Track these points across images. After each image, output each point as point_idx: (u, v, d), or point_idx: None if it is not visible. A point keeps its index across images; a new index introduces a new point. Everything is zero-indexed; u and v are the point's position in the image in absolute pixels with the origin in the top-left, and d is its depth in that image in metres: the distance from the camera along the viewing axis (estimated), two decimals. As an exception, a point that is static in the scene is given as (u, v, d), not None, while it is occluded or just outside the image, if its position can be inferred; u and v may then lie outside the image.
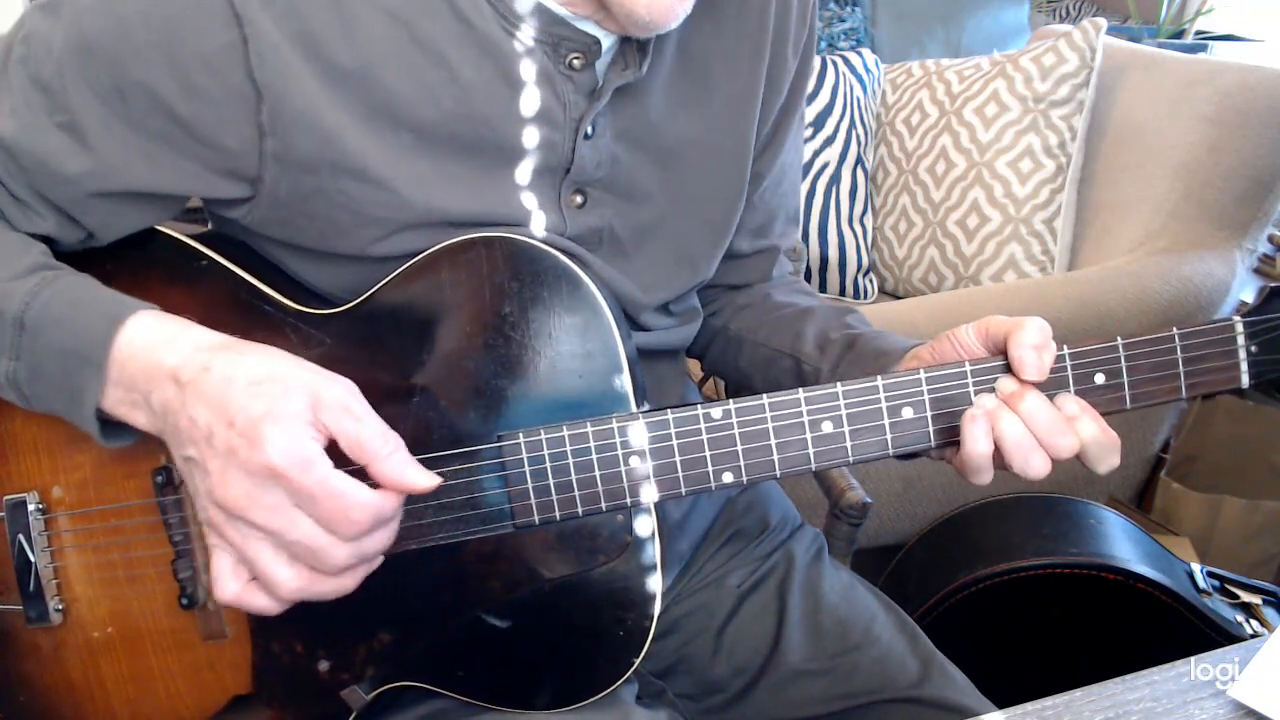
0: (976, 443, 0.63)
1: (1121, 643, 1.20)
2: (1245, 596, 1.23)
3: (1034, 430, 0.62)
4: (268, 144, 0.63)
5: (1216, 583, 1.24)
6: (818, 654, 0.82)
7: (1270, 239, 1.70)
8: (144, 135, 0.63)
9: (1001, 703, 0.66)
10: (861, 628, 0.83)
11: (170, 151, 0.64)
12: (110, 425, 0.63)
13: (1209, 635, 1.15)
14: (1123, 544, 1.23)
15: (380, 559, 0.62)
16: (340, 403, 0.59)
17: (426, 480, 0.60)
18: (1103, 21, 1.70)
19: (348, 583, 0.60)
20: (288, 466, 0.55)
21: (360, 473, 0.59)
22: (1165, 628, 1.17)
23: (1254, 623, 1.19)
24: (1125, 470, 1.66)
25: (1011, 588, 1.20)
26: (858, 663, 0.81)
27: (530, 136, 0.68)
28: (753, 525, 0.91)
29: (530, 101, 0.67)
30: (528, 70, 0.67)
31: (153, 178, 0.65)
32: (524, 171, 0.69)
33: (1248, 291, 1.68)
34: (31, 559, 0.70)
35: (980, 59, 1.86)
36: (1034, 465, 0.63)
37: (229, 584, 0.60)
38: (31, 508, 0.70)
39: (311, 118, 0.62)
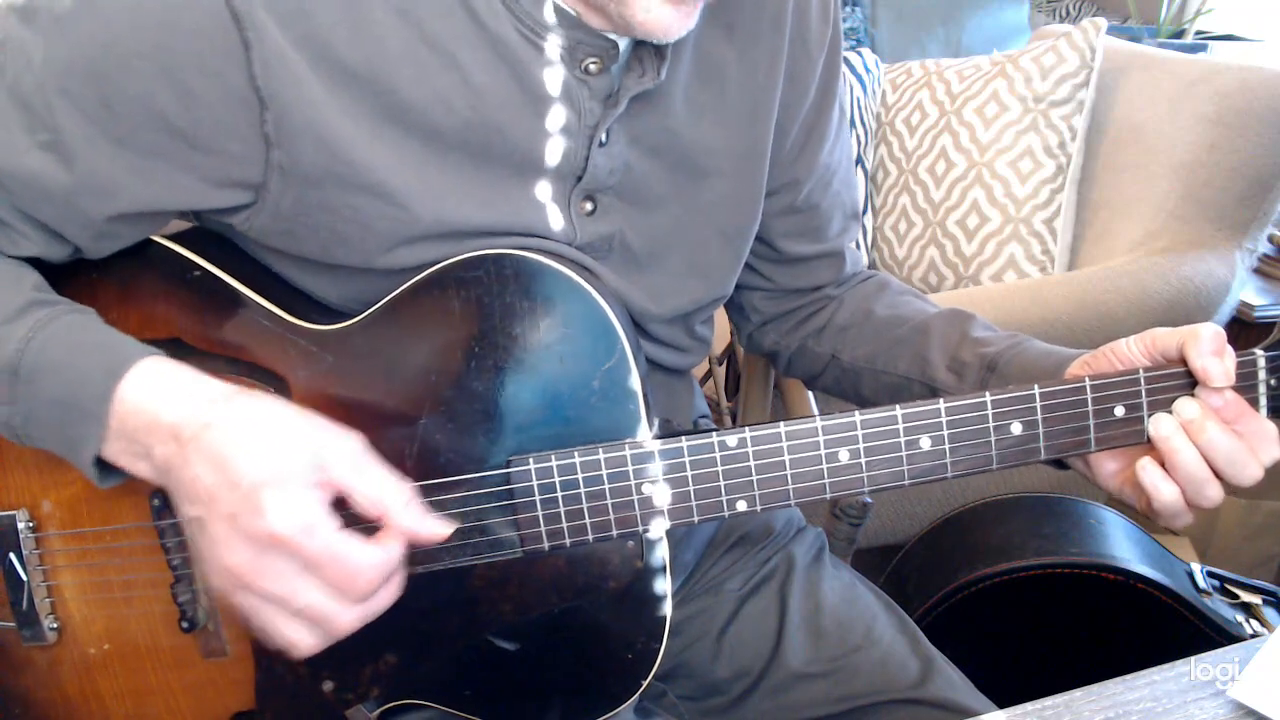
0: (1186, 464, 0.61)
1: (1121, 643, 1.20)
2: (1245, 596, 1.23)
3: (1220, 451, 0.61)
4: (274, 154, 0.60)
5: (1216, 583, 1.24)
6: (818, 656, 0.81)
7: (1270, 239, 1.69)
8: (136, 152, 0.59)
9: (1001, 703, 0.65)
10: (862, 629, 0.83)
11: (166, 167, 0.60)
12: (109, 467, 0.61)
13: (1209, 635, 1.15)
14: (1123, 544, 1.22)
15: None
16: (349, 459, 0.57)
17: (443, 530, 0.60)
18: (1103, 21, 1.70)
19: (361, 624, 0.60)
20: (290, 534, 0.54)
21: (360, 526, 0.58)
22: (1165, 628, 1.17)
23: (1254, 623, 1.18)
24: (1125, 470, 1.65)
25: (1011, 588, 1.20)
26: (859, 665, 0.80)
27: (545, 143, 0.65)
28: (757, 530, 0.91)
29: (546, 107, 0.65)
30: (545, 75, 0.64)
31: (147, 196, 0.61)
32: (536, 179, 0.67)
33: (1248, 291, 1.68)
34: (24, 578, 0.68)
35: (980, 59, 1.86)
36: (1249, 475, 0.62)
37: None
38: (22, 525, 0.67)
39: (319, 129, 0.59)
